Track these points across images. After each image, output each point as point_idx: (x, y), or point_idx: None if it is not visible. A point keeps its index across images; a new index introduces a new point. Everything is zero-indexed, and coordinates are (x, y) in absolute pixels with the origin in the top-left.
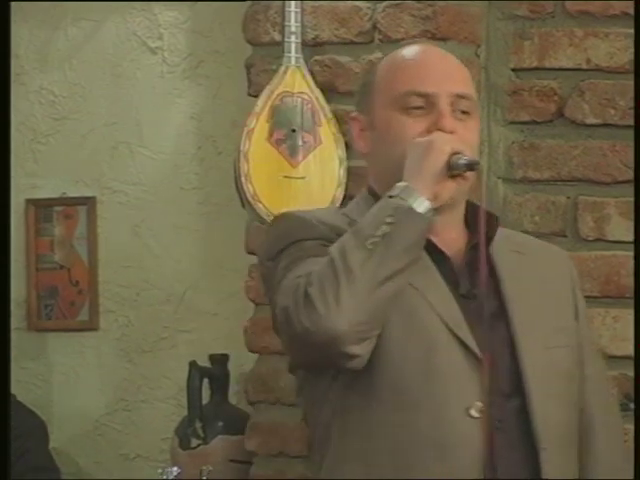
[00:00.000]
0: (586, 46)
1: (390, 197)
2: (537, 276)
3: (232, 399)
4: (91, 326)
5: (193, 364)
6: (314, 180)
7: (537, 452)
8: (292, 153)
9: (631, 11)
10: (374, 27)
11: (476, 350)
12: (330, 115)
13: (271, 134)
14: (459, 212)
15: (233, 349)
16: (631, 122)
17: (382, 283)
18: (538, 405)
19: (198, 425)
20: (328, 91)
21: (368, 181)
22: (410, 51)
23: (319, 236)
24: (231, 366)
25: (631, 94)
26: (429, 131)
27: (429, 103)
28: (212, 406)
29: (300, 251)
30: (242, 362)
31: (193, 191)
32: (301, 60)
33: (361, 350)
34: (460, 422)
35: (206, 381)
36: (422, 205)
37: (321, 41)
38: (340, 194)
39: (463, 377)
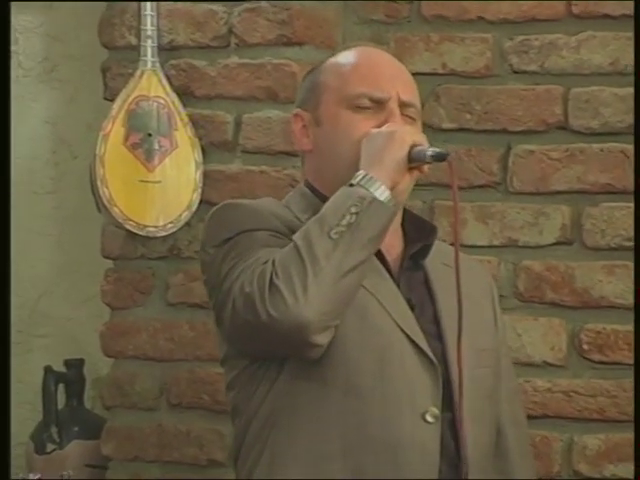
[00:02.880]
0: (442, 51)
1: (351, 185)
2: (464, 292)
3: (88, 404)
4: None
5: (48, 369)
6: (170, 184)
7: (460, 469)
8: (148, 157)
9: (487, 16)
10: (230, 31)
11: (431, 355)
12: (186, 119)
13: (127, 138)
14: (398, 217)
15: (89, 354)
16: (486, 127)
17: (347, 273)
18: (464, 424)
19: (53, 430)
20: (184, 95)
21: (305, 176)
22: (361, 53)
23: (271, 227)
24: (87, 371)
25: (486, 99)
26: (379, 127)
27: (378, 104)
28: (68, 411)
29: (252, 241)
30: (98, 367)
31: (48, 196)
32: (157, 64)
33: (324, 339)
34: (415, 426)
35: (61, 386)
36: (384, 194)
37: (177, 45)
38: (196, 198)
39: (418, 381)
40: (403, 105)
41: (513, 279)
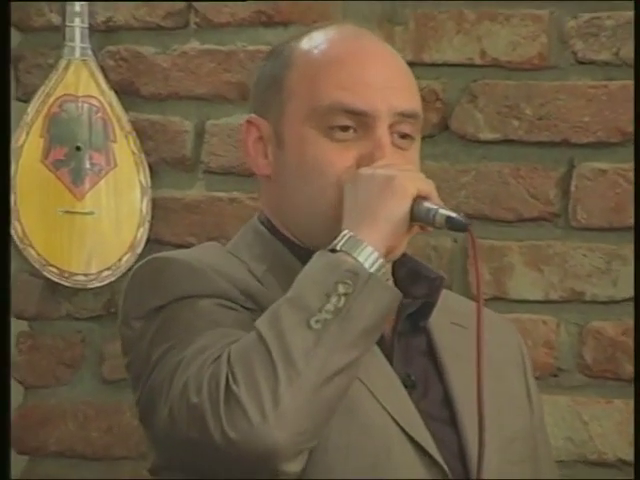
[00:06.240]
0: (480, 33)
1: (333, 251)
2: (485, 363)
3: None
4: None
5: None
6: (106, 216)
7: None
8: (76, 179)
9: None
10: (189, 7)
11: (440, 460)
12: (129, 128)
13: (47, 154)
14: (388, 266)
15: None
16: (540, 137)
17: (332, 377)
18: None
19: None
20: (126, 94)
21: (261, 207)
22: (341, 39)
23: (217, 292)
24: None
25: (541, 99)
26: (359, 165)
27: (361, 123)
28: None
29: (192, 314)
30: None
31: None
32: (89, 51)
33: (297, 466)
34: None
35: None
36: (376, 264)
37: (116, 25)
38: (143, 236)
39: None
40: (400, 118)
41: (577, 347)
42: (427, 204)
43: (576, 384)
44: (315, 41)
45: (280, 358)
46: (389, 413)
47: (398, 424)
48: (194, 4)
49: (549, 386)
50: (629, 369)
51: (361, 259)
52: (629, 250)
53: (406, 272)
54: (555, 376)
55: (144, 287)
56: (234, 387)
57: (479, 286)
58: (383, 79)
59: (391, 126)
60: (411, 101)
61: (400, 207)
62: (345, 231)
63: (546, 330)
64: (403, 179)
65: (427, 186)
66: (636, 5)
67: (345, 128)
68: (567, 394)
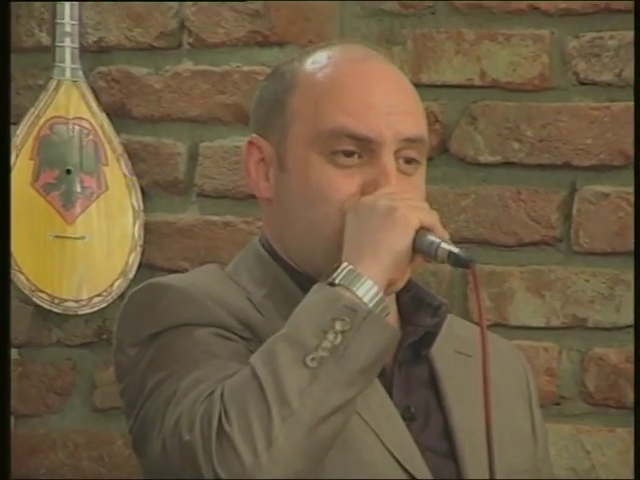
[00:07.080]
0: (480, 54)
1: (332, 284)
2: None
3: None
4: None
5: None
6: (98, 241)
7: None
8: (67, 203)
9: (543, 5)
10: (182, 27)
11: None
12: (120, 150)
13: (37, 177)
14: (392, 296)
15: None
16: (542, 160)
17: (327, 417)
18: None
19: None
20: (118, 116)
21: (263, 229)
22: (343, 62)
23: (214, 322)
24: None
25: (542, 121)
26: (364, 192)
27: (366, 149)
28: None
29: (188, 344)
30: None
31: None
32: (79, 72)
33: None
34: None
35: None
36: (375, 298)
37: (108, 45)
38: (134, 260)
39: None
40: (406, 144)
41: (580, 374)
42: (430, 237)
43: (578, 412)
44: (318, 62)
45: (274, 397)
46: (387, 447)
47: (396, 459)
48: (187, 24)
49: (551, 415)
50: (632, 397)
51: (360, 293)
52: (633, 275)
53: (410, 298)
54: (557, 404)
55: (140, 313)
56: (227, 426)
57: (482, 323)
58: (388, 103)
59: (396, 151)
60: (417, 126)
61: (402, 239)
62: (344, 264)
63: (548, 357)
64: (405, 210)
65: (430, 217)
66: (636, 5)
67: (349, 153)
68: (569, 423)
